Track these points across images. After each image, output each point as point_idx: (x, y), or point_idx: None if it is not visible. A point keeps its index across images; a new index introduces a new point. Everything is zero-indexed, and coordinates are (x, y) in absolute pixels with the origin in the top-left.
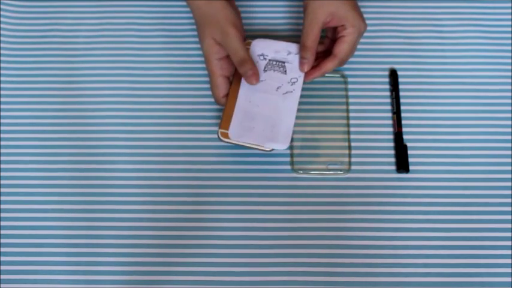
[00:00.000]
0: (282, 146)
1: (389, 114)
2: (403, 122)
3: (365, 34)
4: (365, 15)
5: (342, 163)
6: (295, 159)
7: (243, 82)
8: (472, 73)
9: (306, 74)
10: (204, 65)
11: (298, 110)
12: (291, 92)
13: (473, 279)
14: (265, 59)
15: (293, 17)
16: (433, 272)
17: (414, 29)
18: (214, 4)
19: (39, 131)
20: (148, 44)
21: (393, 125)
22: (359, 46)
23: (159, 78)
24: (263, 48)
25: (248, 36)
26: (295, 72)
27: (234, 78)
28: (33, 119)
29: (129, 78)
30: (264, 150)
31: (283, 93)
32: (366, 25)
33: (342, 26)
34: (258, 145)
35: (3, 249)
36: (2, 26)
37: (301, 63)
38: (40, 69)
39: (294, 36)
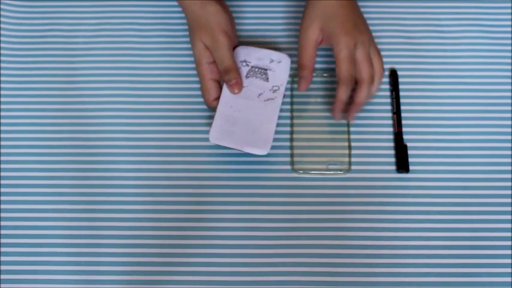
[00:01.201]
0: (261, 151)
1: (390, 114)
2: (403, 122)
3: None
4: (365, 15)
5: (342, 163)
6: (295, 159)
7: (225, 88)
8: (472, 73)
9: (346, 117)
10: None
11: (299, 110)
12: (273, 99)
13: (474, 279)
14: (247, 65)
15: (284, 23)
16: (433, 272)
17: (414, 29)
18: (208, 9)
19: (39, 130)
20: (148, 44)
21: (393, 125)
22: None
23: (159, 78)
24: (246, 55)
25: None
26: (277, 80)
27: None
28: (33, 119)
29: (129, 78)
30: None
31: (265, 100)
32: (362, 34)
33: (332, 44)
34: (237, 149)
35: (3, 249)
36: (2, 26)
37: (299, 82)
38: (40, 69)
39: (284, 42)
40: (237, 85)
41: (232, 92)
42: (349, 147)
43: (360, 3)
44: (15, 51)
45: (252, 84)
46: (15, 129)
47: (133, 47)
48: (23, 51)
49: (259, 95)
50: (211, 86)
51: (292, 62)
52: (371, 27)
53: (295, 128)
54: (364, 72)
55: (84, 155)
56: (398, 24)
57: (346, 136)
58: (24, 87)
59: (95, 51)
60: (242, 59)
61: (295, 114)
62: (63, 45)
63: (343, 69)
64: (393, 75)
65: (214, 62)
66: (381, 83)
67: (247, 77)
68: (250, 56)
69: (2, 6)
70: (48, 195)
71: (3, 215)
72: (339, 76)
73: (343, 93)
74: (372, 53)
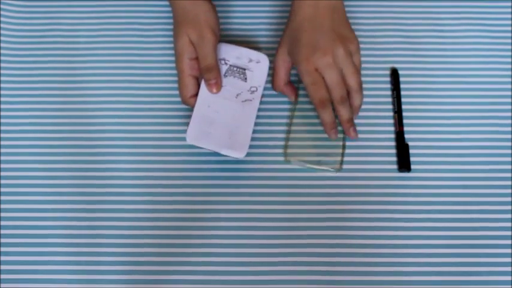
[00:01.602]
0: (238, 154)
1: (391, 114)
2: (405, 121)
3: (366, 33)
4: (366, 15)
5: (334, 162)
6: (288, 150)
7: (204, 87)
8: (472, 72)
9: (348, 134)
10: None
11: (300, 103)
12: (250, 100)
13: (474, 278)
14: (226, 63)
15: (268, 22)
16: (434, 271)
17: (415, 28)
18: (198, 5)
19: (39, 130)
20: (148, 44)
21: (394, 124)
22: (360, 45)
23: (160, 78)
24: (225, 53)
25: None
26: (255, 81)
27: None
28: (33, 119)
29: (129, 78)
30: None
31: (242, 101)
32: (325, 55)
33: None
34: (214, 151)
35: (3, 249)
36: (2, 26)
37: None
38: (40, 69)
39: (265, 42)
40: (217, 85)
41: (211, 92)
42: (343, 147)
43: (360, 3)
44: (15, 51)
45: (230, 84)
46: (15, 129)
47: (134, 47)
48: (23, 51)
49: (237, 95)
50: (190, 83)
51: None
52: (372, 27)
53: (294, 120)
54: (334, 94)
55: (84, 155)
56: (399, 23)
57: (341, 135)
58: (24, 87)
59: (95, 51)
60: (221, 56)
61: (298, 106)
62: (63, 45)
63: (312, 95)
64: (394, 74)
65: (195, 59)
66: (361, 93)
67: (225, 75)
68: (229, 54)
69: (2, 6)
70: (48, 195)
71: (3, 215)
72: (312, 102)
73: (324, 116)
74: (345, 69)
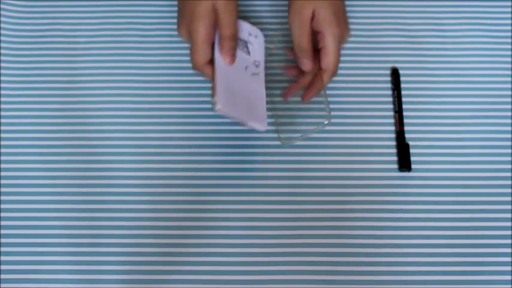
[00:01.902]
0: (261, 126)
1: (391, 113)
2: (405, 120)
3: (366, 33)
4: (366, 14)
5: (322, 120)
6: (281, 133)
7: (218, 58)
8: (473, 71)
9: (303, 96)
10: None
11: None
12: (257, 74)
13: (475, 277)
14: None
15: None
16: (434, 271)
17: (416, 28)
18: None
19: (40, 130)
20: (149, 43)
21: (395, 124)
22: (361, 45)
23: (160, 78)
24: None
25: None
26: (257, 55)
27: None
28: (34, 119)
29: (129, 78)
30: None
31: (251, 75)
32: (348, 32)
33: (320, 33)
34: (241, 121)
35: (3, 249)
36: (2, 26)
37: (301, 64)
38: (40, 69)
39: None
40: (234, 56)
41: (227, 62)
42: (325, 96)
43: (361, 3)
44: (15, 51)
45: (239, 56)
46: (16, 129)
47: (134, 47)
48: (23, 51)
49: (246, 68)
50: (205, 49)
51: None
52: (372, 26)
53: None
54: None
55: (84, 155)
56: (399, 23)
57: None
58: (24, 87)
59: (96, 51)
60: None
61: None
62: (63, 45)
63: (333, 62)
64: (395, 74)
65: (213, 26)
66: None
67: None
68: None
69: (2, 6)
70: (48, 195)
71: (3, 215)
72: (327, 69)
73: (326, 83)
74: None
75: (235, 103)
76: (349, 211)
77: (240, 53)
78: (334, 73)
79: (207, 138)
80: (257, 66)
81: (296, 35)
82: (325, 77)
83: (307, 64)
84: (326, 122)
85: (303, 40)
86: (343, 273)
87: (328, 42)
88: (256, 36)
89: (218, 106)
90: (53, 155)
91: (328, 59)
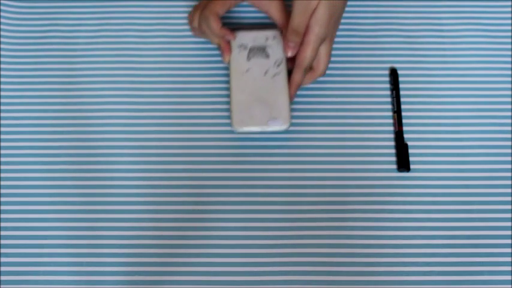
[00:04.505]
0: (284, 125)
1: (390, 113)
2: (404, 121)
3: (365, 33)
4: (365, 14)
5: (282, 118)
6: (234, 119)
7: (233, 76)
8: (472, 72)
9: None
10: (205, 65)
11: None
12: (279, 73)
13: (475, 277)
14: (246, 48)
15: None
16: (434, 271)
17: (414, 28)
18: None
19: (40, 131)
20: (149, 44)
21: (394, 124)
22: (359, 45)
23: (160, 79)
24: (242, 39)
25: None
26: (277, 54)
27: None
28: (34, 120)
29: (129, 79)
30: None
31: (272, 77)
32: (334, 30)
33: (309, 25)
34: (262, 129)
35: (3, 250)
36: (2, 26)
37: (287, 46)
38: (40, 70)
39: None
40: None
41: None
42: (289, 101)
43: (360, 3)
44: (15, 51)
45: (255, 65)
46: (16, 130)
47: (134, 47)
48: (23, 51)
49: (265, 72)
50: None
51: None
52: (371, 26)
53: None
54: (323, 65)
55: (84, 156)
56: (398, 23)
57: (286, 91)
58: (24, 87)
59: (95, 52)
60: (239, 43)
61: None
62: (63, 45)
63: (309, 56)
64: (393, 74)
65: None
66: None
67: (249, 59)
68: (246, 39)
69: (2, 7)
70: (49, 196)
71: (3, 215)
72: (300, 61)
73: (299, 77)
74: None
75: (254, 115)
76: (348, 211)
77: (259, 60)
78: (306, 67)
79: (207, 139)
80: (278, 65)
81: (296, 20)
82: (312, 77)
83: (293, 48)
84: (283, 127)
85: (300, 27)
86: (342, 274)
87: (308, 38)
88: (274, 37)
89: (235, 127)
90: (53, 156)
91: (303, 53)
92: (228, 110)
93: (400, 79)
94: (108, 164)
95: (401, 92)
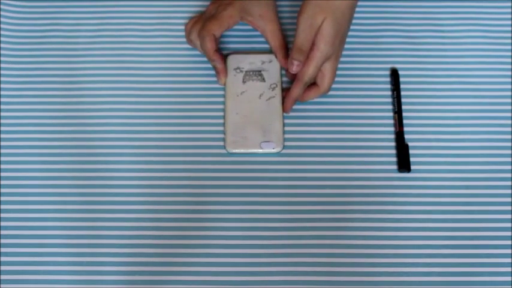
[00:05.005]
0: (277, 148)
1: (391, 114)
2: (405, 121)
3: (366, 34)
4: (366, 15)
5: (276, 142)
6: (227, 139)
7: (228, 97)
8: (473, 72)
9: (285, 104)
10: (204, 65)
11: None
12: (274, 96)
13: (475, 278)
14: (241, 71)
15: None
16: (434, 272)
17: (415, 29)
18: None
19: (40, 131)
20: (149, 44)
21: (394, 125)
22: (360, 46)
23: (160, 78)
24: (238, 62)
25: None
26: (273, 78)
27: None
28: (34, 119)
29: (129, 78)
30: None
31: (267, 100)
32: (340, 48)
33: (314, 42)
34: (254, 152)
35: (3, 250)
36: (2, 26)
37: (291, 64)
38: (40, 70)
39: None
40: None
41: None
42: (283, 125)
43: (361, 3)
44: (15, 51)
45: (250, 88)
46: (16, 130)
47: (134, 47)
48: (23, 51)
49: (260, 95)
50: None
51: None
52: (372, 27)
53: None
54: (327, 82)
55: (85, 155)
56: (399, 23)
57: (280, 114)
58: (24, 87)
59: (95, 51)
60: (235, 66)
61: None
62: (63, 45)
63: (310, 71)
64: (394, 74)
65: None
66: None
67: (244, 82)
68: (242, 62)
69: (2, 7)
70: (49, 196)
71: (3, 215)
72: (301, 76)
73: (297, 91)
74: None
75: (246, 136)
76: (349, 212)
77: (254, 83)
78: (306, 82)
79: (206, 139)
80: (273, 88)
81: (301, 37)
82: (314, 93)
83: (297, 66)
84: (274, 150)
85: (305, 44)
86: (341, 274)
87: (313, 54)
88: (270, 61)
89: (228, 149)
90: (53, 156)
91: (306, 68)
92: None
93: (401, 79)
94: (108, 164)
95: (402, 93)
